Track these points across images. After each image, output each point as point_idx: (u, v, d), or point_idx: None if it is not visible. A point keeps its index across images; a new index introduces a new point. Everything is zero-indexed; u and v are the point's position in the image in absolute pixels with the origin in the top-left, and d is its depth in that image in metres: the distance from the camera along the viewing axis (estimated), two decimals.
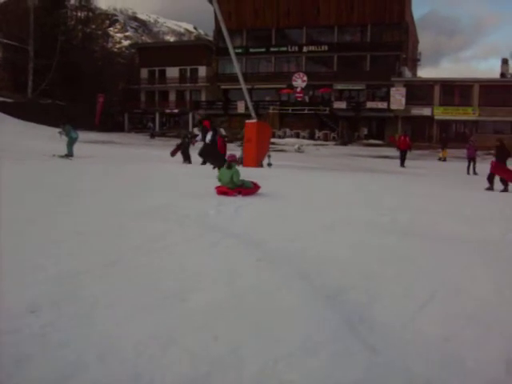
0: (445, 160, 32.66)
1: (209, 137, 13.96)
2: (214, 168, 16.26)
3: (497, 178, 15.24)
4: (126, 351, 3.44)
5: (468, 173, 23.57)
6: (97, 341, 3.55)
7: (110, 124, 60.66)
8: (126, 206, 8.72)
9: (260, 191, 10.98)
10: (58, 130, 20.25)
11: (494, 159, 15.90)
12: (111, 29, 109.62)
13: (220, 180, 10.90)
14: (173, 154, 21.17)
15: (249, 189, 10.98)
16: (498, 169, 15.37)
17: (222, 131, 24.56)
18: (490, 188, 15.14)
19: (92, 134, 42.88)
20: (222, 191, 10.67)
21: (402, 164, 26.06)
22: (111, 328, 3.77)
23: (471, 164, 23.92)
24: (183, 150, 20.96)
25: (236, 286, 4.79)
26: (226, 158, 11.63)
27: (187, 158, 20.68)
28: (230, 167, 10.91)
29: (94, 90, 58.09)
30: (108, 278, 4.85)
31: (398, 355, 3.59)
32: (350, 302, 4.55)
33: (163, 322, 3.91)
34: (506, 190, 14.87)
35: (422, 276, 5.40)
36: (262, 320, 4.02)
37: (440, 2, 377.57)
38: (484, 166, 20.93)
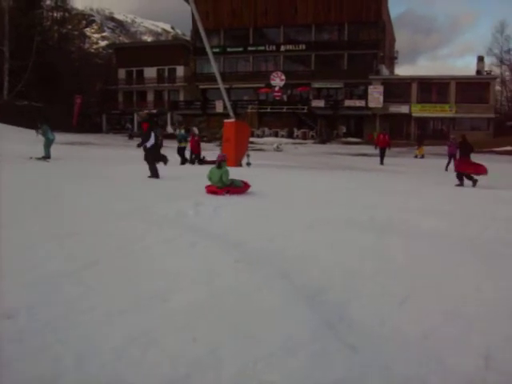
0: (422, 157, 32.76)
1: (152, 141, 13.34)
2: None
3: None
4: (106, 354, 3.41)
5: (446, 169, 23.66)
6: (75, 345, 3.52)
7: (87, 125, 60.22)
8: (105, 208, 8.66)
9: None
10: (35, 131, 19.98)
11: (457, 156, 16.11)
12: (88, 29, 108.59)
13: (210, 179, 11.01)
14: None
15: (238, 188, 11.11)
16: (462, 165, 15.64)
17: (195, 130, 24.45)
18: (460, 184, 15.32)
19: (69, 135, 42.42)
20: (212, 190, 10.78)
21: (382, 162, 26.12)
22: (90, 331, 3.74)
23: (451, 161, 23.98)
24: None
25: (215, 286, 4.78)
26: (217, 157, 11.62)
27: (160, 158, 20.57)
28: (220, 167, 11.08)
29: (71, 90, 57.62)
30: (86, 281, 4.80)
31: (378, 354, 3.60)
32: (330, 301, 4.56)
33: (142, 323, 3.89)
34: (474, 185, 15.06)
35: (401, 273, 5.43)
36: (242, 321, 4.01)
37: (416, 1, 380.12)
38: None
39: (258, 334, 3.78)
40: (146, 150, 13.57)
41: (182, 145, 21.08)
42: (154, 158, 13.78)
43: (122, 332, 3.73)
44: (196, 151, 21.47)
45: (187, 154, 21.26)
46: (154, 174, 13.39)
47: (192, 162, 21.26)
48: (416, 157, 33.15)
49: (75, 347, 3.48)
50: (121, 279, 4.89)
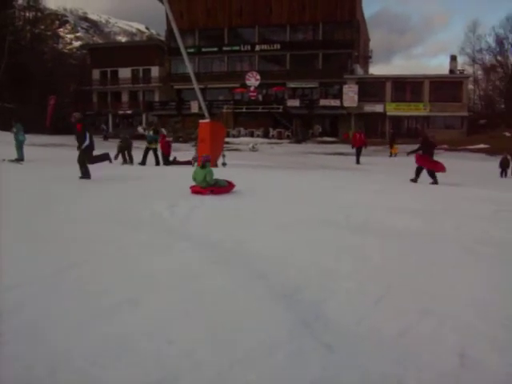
0: (395, 156, 32.97)
1: (87, 141, 13.03)
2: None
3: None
4: (79, 361, 3.35)
5: None
6: (47, 353, 3.45)
7: (61, 126, 59.63)
8: (79, 210, 8.58)
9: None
10: (10, 131, 19.62)
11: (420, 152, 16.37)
12: (61, 29, 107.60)
13: (194, 179, 11.06)
14: (116, 157, 20.69)
15: (222, 187, 11.24)
16: (421, 159, 15.97)
17: (164, 131, 24.41)
18: (414, 180, 15.59)
19: (43, 136, 42.03)
20: (196, 190, 10.88)
21: (358, 161, 26.25)
22: (62, 338, 3.66)
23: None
24: (123, 150, 20.71)
25: (191, 288, 4.74)
26: (202, 158, 11.71)
27: (130, 159, 20.55)
28: (204, 167, 11.12)
29: (45, 91, 56.93)
30: (58, 286, 4.71)
31: (354, 352, 3.61)
32: (306, 300, 4.56)
33: (116, 327, 3.84)
34: (435, 182, 15.29)
35: (377, 272, 5.46)
36: (218, 322, 3.99)
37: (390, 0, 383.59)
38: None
39: (234, 336, 3.77)
40: (80, 150, 13.31)
41: (152, 146, 20.95)
42: (88, 158, 13.54)
43: (96, 337, 3.68)
44: (166, 152, 21.41)
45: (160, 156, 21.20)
46: (86, 175, 13.16)
47: (165, 162, 21.21)
48: (391, 156, 33.40)
49: (47, 356, 3.41)
50: (94, 283, 4.82)
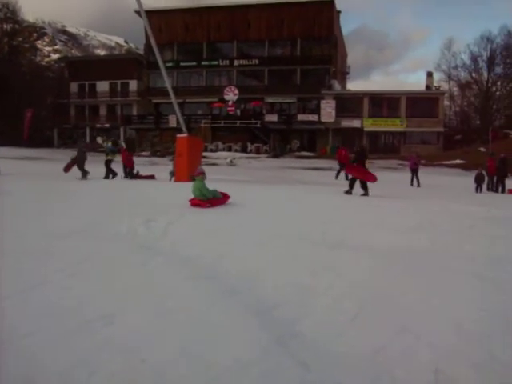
0: None
1: None
2: None
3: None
4: (51, 379, 3.30)
5: (412, 184, 23.89)
6: (17, 373, 3.38)
7: (38, 139, 59.17)
8: (54, 225, 8.44)
9: (192, 207, 10.95)
10: None
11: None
12: (39, 42, 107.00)
13: (193, 193, 11.26)
14: (67, 169, 20.12)
15: (218, 199, 11.53)
16: (352, 169, 16.45)
17: (123, 143, 24.33)
18: (349, 192, 15.79)
19: (20, 149, 41.69)
20: (195, 203, 11.08)
21: (338, 175, 25.95)
22: (32, 358, 3.58)
23: (414, 175, 24.18)
24: (78, 163, 19.92)
25: (165, 306, 4.68)
26: (195, 172, 11.82)
27: (84, 172, 19.68)
28: (195, 181, 11.38)
29: (22, 104, 56.56)
30: (28, 304, 4.62)
31: (330, 370, 3.59)
32: (282, 317, 4.53)
33: (88, 346, 3.77)
34: (365, 194, 15.56)
35: (353, 288, 5.45)
36: (192, 340, 3.93)
37: (370, 16, 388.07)
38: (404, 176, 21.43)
39: (208, 354, 3.72)
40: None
41: (109, 157, 20.59)
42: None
43: (68, 356, 3.61)
44: (129, 165, 21.26)
45: (121, 169, 20.96)
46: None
47: (127, 176, 21.10)
48: None
49: (17, 376, 3.34)
50: (66, 301, 4.74)
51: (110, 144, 21.68)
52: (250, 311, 4.63)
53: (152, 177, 21.18)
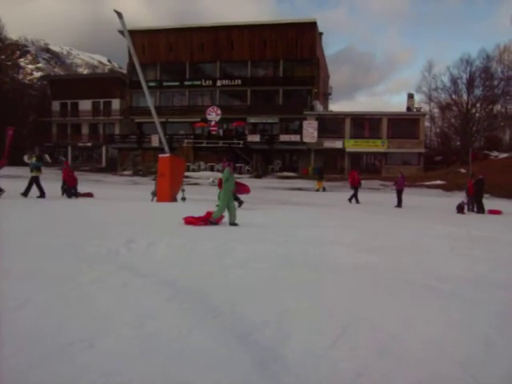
0: (324, 190, 32.76)
1: None
2: None
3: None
4: None
5: (400, 206, 23.82)
6: None
7: (18, 158, 58.67)
8: (34, 245, 8.36)
9: (173, 228, 10.92)
10: None
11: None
12: (22, 60, 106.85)
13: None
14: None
15: (216, 219, 12.00)
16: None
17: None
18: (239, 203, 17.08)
19: None
20: (189, 221, 11.34)
21: (357, 200, 25.38)
22: (12, 379, 3.52)
23: (400, 196, 24.14)
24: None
25: (146, 329, 4.62)
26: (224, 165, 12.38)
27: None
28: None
29: (3, 122, 56.20)
30: (7, 326, 4.54)
31: None
32: (264, 340, 4.49)
33: (68, 369, 3.70)
34: (239, 205, 16.74)
35: (335, 310, 5.43)
36: (172, 364, 3.88)
37: (357, 37, 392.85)
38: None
39: (190, 377, 3.67)
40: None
41: (34, 174, 19.53)
42: None
43: (46, 379, 3.55)
44: (70, 184, 21.03)
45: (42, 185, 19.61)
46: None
47: (65, 193, 20.89)
48: (317, 190, 33.05)
49: None
50: (46, 322, 4.66)
51: (34, 160, 20.61)
52: (231, 333, 4.58)
53: (90, 194, 21.42)
